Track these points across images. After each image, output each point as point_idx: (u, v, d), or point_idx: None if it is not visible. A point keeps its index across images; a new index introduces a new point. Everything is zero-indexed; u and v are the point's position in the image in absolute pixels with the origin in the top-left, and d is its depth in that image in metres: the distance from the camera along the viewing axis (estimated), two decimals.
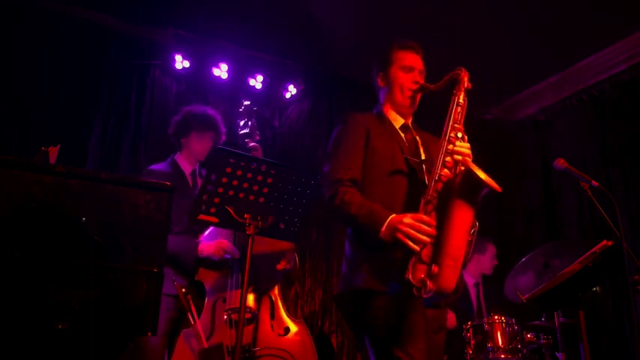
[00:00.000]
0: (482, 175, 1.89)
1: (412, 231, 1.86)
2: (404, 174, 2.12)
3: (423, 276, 1.84)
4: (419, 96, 2.29)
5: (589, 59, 4.86)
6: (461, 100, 2.10)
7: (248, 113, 3.32)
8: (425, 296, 1.82)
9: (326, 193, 2.10)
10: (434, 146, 2.16)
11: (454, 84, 2.13)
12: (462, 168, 1.96)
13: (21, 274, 1.43)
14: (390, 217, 1.92)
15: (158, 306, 1.59)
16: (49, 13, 4.18)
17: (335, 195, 2.04)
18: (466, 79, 2.11)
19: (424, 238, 1.85)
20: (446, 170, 1.98)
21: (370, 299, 1.97)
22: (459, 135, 2.05)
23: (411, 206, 2.00)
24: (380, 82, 2.37)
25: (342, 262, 2.18)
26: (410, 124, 2.33)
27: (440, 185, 1.96)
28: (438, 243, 1.88)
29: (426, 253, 1.87)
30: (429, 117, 2.41)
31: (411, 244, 1.85)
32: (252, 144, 3.23)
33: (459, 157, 1.98)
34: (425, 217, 1.89)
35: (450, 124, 2.06)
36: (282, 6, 4.21)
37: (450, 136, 2.04)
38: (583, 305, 2.73)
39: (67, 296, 1.46)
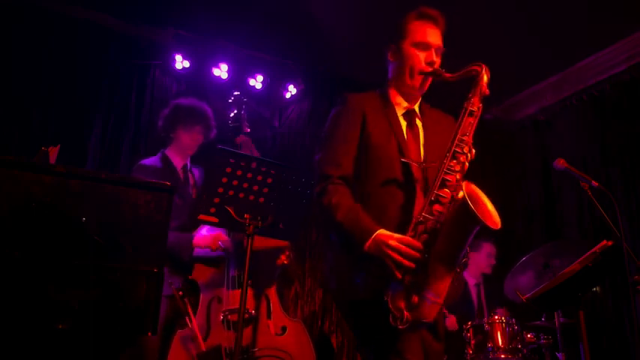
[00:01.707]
0: (485, 199, 1.76)
1: (397, 255, 1.73)
2: (398, 178, 1.94)
3: (401, 305, 1.74)
4: (429, 80, 2.05)
5: (589, 59, 4.86)
6: (475, 109, 1.89)
7: (238, 104, 3.24)
8: (400, 327, 1.73)
9: (314, 187, 1.97)
10: (439, 134, 2.01)
11: (471, 84, 1.92)
12: (464, 187, 1.77)
13: (21, 274, 1.43)
14: (377, 232, 1.78)
15: (158, 306, 1.59)
16: (49, 13, 4.18)
17: (323, 193, 1.91)
18: (485, 79, 1.90)
19: (409, 264, 1.72)
20: (446, 190, 1.81)
21: (367, 304, 1.87)
22: (465, 150, 1.85)
23: (402, 216, 1.88)
24: (390, 57, 2.11)
25: (335, 258, 2.02)
26: (416, 108, 2.11)
27: (436, 207, 1.79)
28: (424, 271, 1.75)
29: (408, 278, 1.75)
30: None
31: (394, 269, 1.73)
32: (240, 140, 3.14)
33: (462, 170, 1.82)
34: (412, 241, 1.75)
35: (457, 136, 1.86)
36: (282, 6, 4.20)
37: (455, 151, 1.85)
38: (583, 305, 2.73)
39: (67, 296, 1.46)
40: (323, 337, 4.55)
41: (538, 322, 3.72)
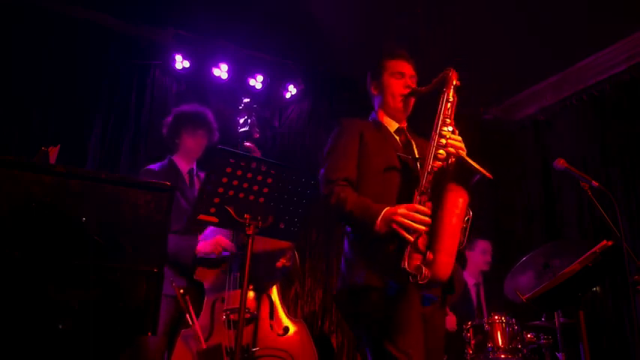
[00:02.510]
0: (475, 164, 1.93)
1: (407, 220, 1.90)
2: (397, 171, 2.15)
3: (418, 263, 1.87)
4: (412, 100, 2.36)
5: (589, 59, 4.86)
6: (450, 97, 2.14)
7: (248, 110, 3.31)
8: (421, 283, 1.85)
9: (322, 192, 2.15)
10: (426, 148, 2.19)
11: (444, 84, 2.17)
12: (454, 160, 2.01)
13: (21, 274, 1.43)
14: (385, 209, 1.96)
15: (158, 306, 1.59)
16: (49, 13, 4.18)
17: (330, 194, 2.09)
18: (455, 77, 2.16)
19: (419, 226, 1.89)
20: (438, 162, 2.02)
21: (367, 296, 1.99)
22: (450, 129, 2.09)
23: (405, 201, 2.02)
24: (373, 90, 2.42)
25: (341, 261, 2.20)
26: (404, 128, 2.38)
27: (432, 177, 2.00)
28: (433, 231, 1.91)
29: (421, 242, 1.91)
30: (424, 121, 2.42)
31: (405, 233, 1.89)
32: (247, 144, 3.21)
33: (452, 150, 2.02)
34: (419, 207, 1.94)
35: (441, 119, 2.11)
36: (282, 6, 4.21)
37: (441, 130, 2.08)
38: (583, 305, 2.73)
39: (67, 296, 1.46)
40: (323, 337, 4.55)
41: (538, 322, 3.71)
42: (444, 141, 2.05)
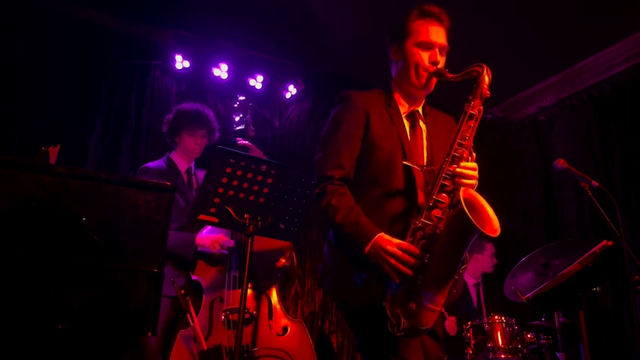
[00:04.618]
0: (485, 204, 1.71)
1: (395, 261, 1.70)
2: (400, 182, 1.90)
3: (399, 312, 1.71)
4: (434, 80, 1.99)
5: (589, 59, 4.86)
6: (475, 112, 1.84)
7: (243, 109, 3.29)
8: (397, 335, 1.70)
9: (314, 188, 1.94)
10: (442, 137, 1.98)
11: (473, 86, 1.86)
12: (461, 194, 1.69)
13: (21, 274, 1.43)
14: (377, 236, 1.75)
15: (158, 306, 1.59)
16: (49, 14, 4.18)
17: (322, 194, 1.87)
18: (486, 81, 1.86)
19: (407, 270, 1.70)
20: (444, 195, 1.78)
21: (364, 312, 1.85)
22: (464, 154, 1.81)
23: (401, 220, 1.86)
24: (392, 55, 2.06)
25: (333, 258, 1.97)
26: (419, 110, 2.07)
27: (435, 212, 1.77)
28: (422, 277, 1.71)
29: (406, 285, 1.73)
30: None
31: (392, 274, 1.71)
32: (241, 142, 3.19)
33: (462, 181, 1.78)
34: (411, 248, 1.72)
35: (457, 140, 1.82)
36: (282, 6, 4.21)
37: (453, 156, 1.81)
38: (583, 305, 2.73)
39: (67, 296, 1.46)
40: (323, 337, 4.55)
41: (538, 322, 3.72)
42: (453, 169, 1.78)
